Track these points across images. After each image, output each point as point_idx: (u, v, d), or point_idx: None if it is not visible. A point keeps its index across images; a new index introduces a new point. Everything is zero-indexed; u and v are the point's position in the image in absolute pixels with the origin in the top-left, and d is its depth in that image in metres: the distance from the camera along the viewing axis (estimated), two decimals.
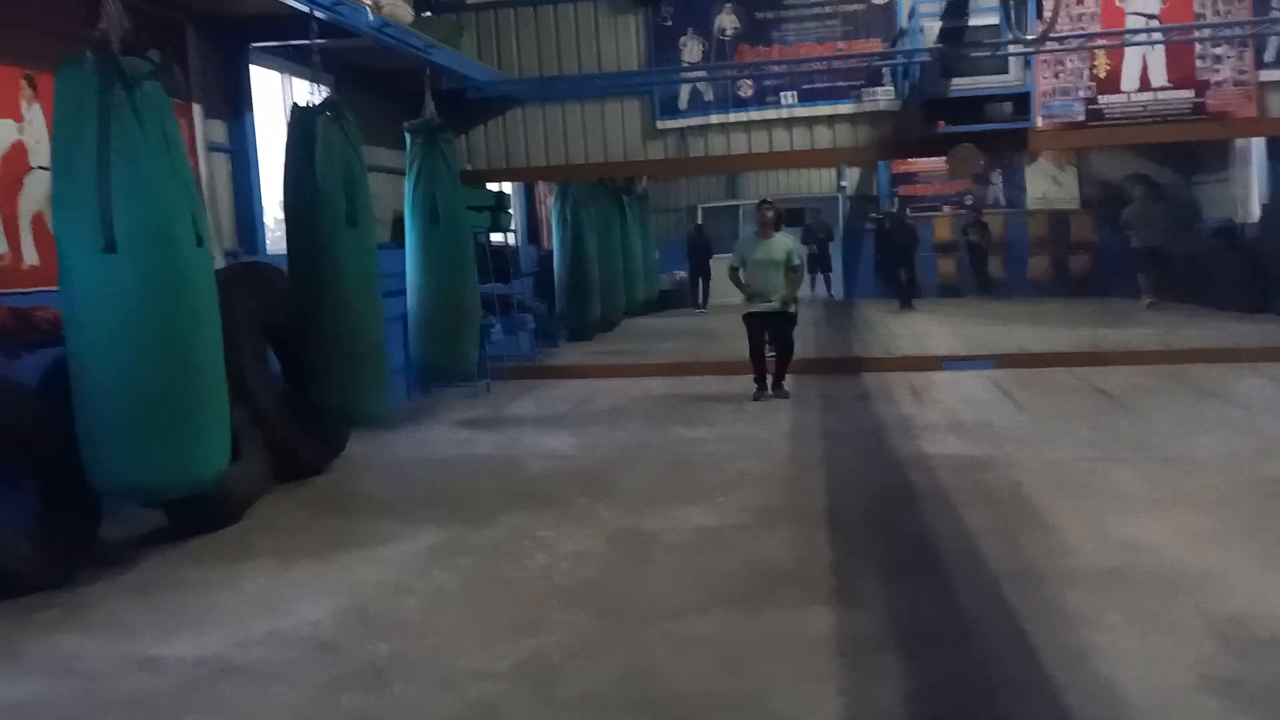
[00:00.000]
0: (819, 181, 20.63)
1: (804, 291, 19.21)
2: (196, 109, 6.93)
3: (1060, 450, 6.47)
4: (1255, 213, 15.49)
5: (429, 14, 10.16)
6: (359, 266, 6.21)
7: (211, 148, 7.15)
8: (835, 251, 19.98)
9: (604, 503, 5.73)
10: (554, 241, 13.45)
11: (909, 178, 19.39)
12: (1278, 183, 15.13)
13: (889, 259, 18.27)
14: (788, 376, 9.08)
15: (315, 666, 3.63)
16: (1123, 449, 6.39)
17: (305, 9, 6.15)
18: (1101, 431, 7.00)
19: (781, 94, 10.61)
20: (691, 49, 10.68)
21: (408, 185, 7.96)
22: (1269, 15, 9.64)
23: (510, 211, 11.52)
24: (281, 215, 7.01)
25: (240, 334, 5.82)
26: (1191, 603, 3.80)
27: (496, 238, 11.46)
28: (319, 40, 6.32)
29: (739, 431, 7.68)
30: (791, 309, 8.86)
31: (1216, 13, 9.78)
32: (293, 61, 8.20)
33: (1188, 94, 9.89)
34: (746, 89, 10.69)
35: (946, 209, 19.53)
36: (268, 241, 7.90)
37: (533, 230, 14.79)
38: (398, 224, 8.91)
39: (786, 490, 5.90)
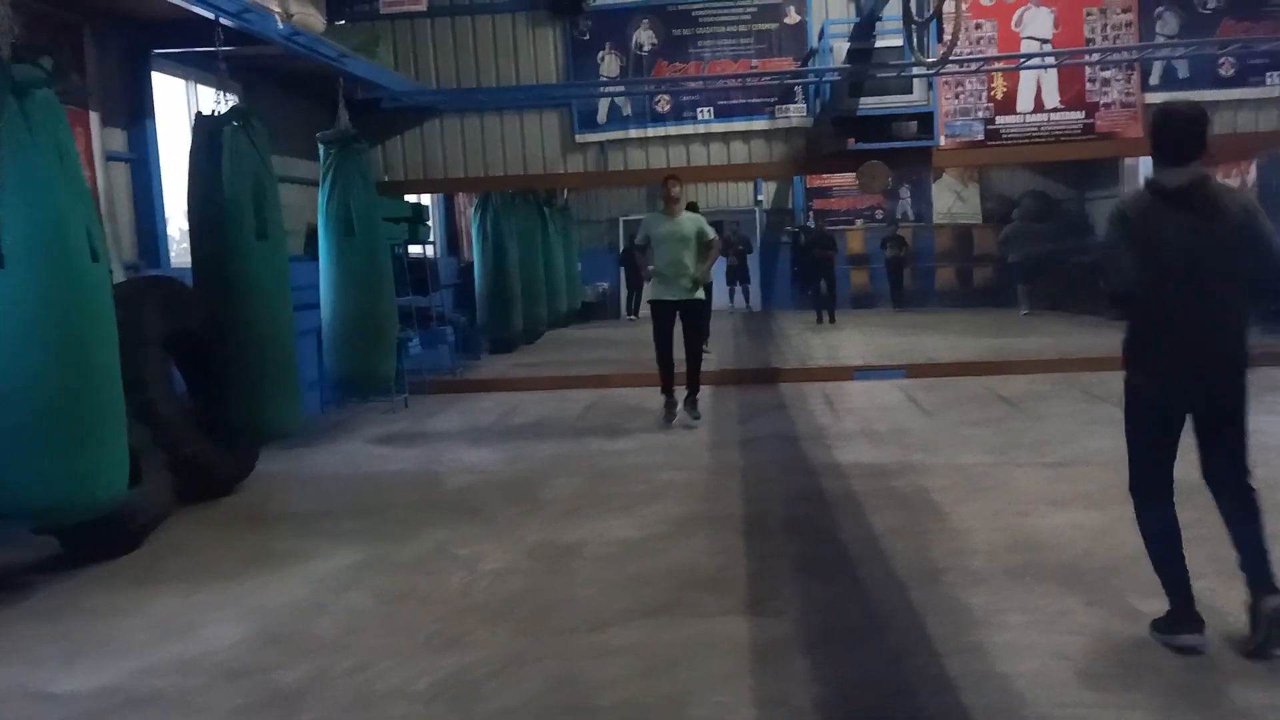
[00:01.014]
0: (737, 195, 20.98)
1: (723, 302, 19.65)
2: (94, 116, 6.74)
3: (966, 455, 6.72)
4: None
5: (344, 23, 10.08)
6: (269, 279, 6.11)
7: (110, 157, 6.95)
8: (753, 263, 20.32)
9: (526, 516, 5.75)
10: (474, 253, 13.40)
11: (823, 192, 19.88)
12: None
13: (808, 271, 18.59)
14: (701, 390, 8.39)
15: (224, 694, 3.56)
16: (1023, 453, 6.67)
17: (210, 15, 6.04)
18: (1004, 436, 7.29)
19: (699, 109, 10.81)
20: (610, 63, 10.80)
21: (321, 196, 7.87)
22: (1153, 41, 10.20)
23: (428, 223, 11.47)
24: (186, 226, 6.86)
25: (141, 349, 5.66)
26: (1085, 600, 4.01)
27: (415, 249, 11.38)
28: (225, 47, 6.22)
29: (661, 441, 7.78)
30: (700, 297, 8.17)
31: (1105, 38, 10.31)
32: (199, 68, 8.03)
33: (1078, 115, 10.39)
34: (664, 104, 10.86)
35: (859, 222, 20.08)
36: (172, 254, 7.72)
37: (453, 242, 14.72)
38: (311, 236, 8.78)
39: (707, 498, 6.00)
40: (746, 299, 20.12)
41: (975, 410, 8.46)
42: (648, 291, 8.32)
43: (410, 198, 11.53)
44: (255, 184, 6.14)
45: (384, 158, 11.07)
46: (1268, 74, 10.21)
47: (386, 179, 10.86)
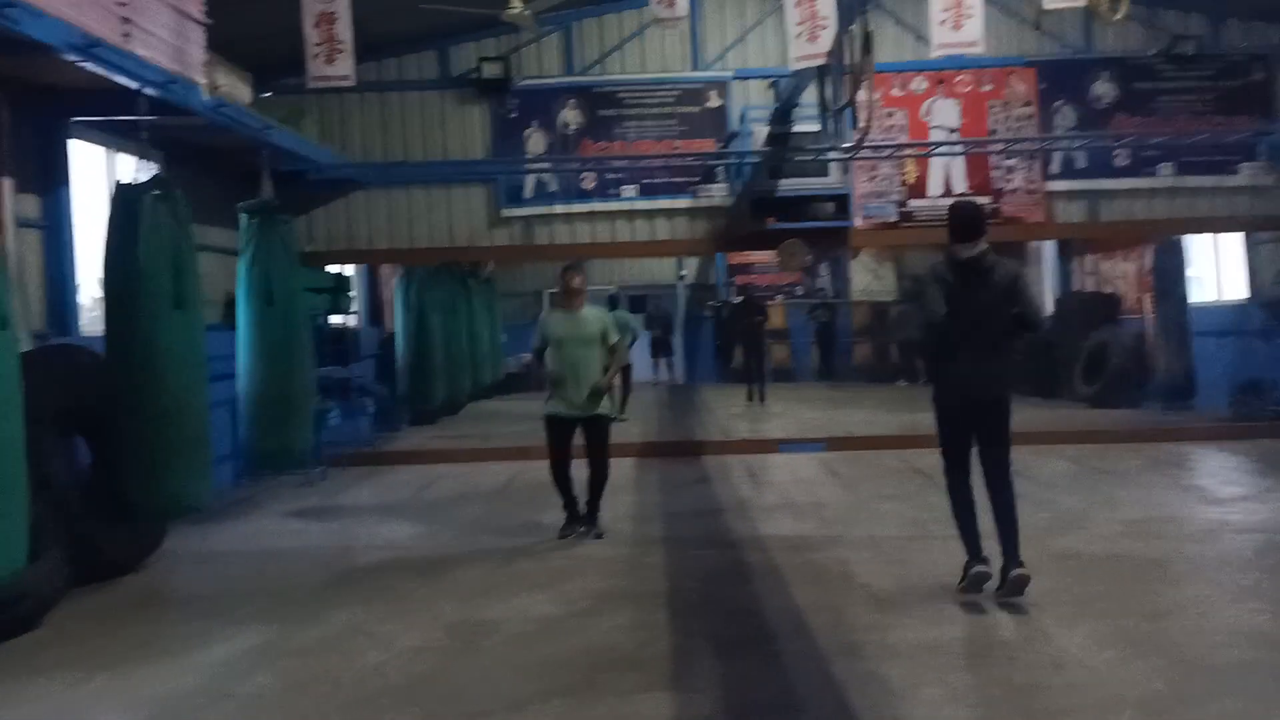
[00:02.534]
0: (660, 271, 21.30)
1: (647, 375, 19.71)
2: (6, 183, 6.58)
3: (883, 528, 6.84)
4: (1049, 307, 16.98)
5: (270, 95, 10.10)
6: (184, 349, 5.97)
7: (22, 223, 6.77)
8: (676, 338, 20.56)
9: (443, 593, 5.64)
10: (397, 324, 13.31)
11: (745, 268, 20.32)
12: (1067, 280, 16.70)
13: (737, 342, 17.86)
14: (603, 504, 6.99)
15: None
16: (939, 526, 6.77)
17: (134, 85, 6.00)
18: (920, 510, 7.43)
19: (623, 187, 11.06)
20: (536, 140, 11.00)
21: (241, 266, 7.78)
22: (1053, 133, 10.81)
23: (351, 293, 11.38)
24: (100, 294, 6.70)
25: (42, 420, 5.45)
26: (998, 672, 4.09)
27: (337, 319, 11.27)
28: (148, 117, 6.17)
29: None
30: (609, 411, 6.95)
31: (1008, 129, 10.89)
32: (120, 136, 7.93)
33: (985, 200, 10.89)
34: (589, 181, 11.08)
35: (780, 298, 20.52)
36: (84, 322, 7.51)
37: (375, 312, 14.61)
38: (230, 305, 8.65)
39: (627, 574, 5.97)
40: (670, 371, 20.30)
41: (892, 483, 8.62)
42: (549, 403, 6.83)
43: (334, 268, 11.46)
44: (174, 253, 6.03)
45: (308, 228, 11.01)
46: (1158, 165, 10.88)
47: (309, 249, 10.79)
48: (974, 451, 5.17)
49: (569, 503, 6.91)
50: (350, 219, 11.10)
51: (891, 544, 6.40)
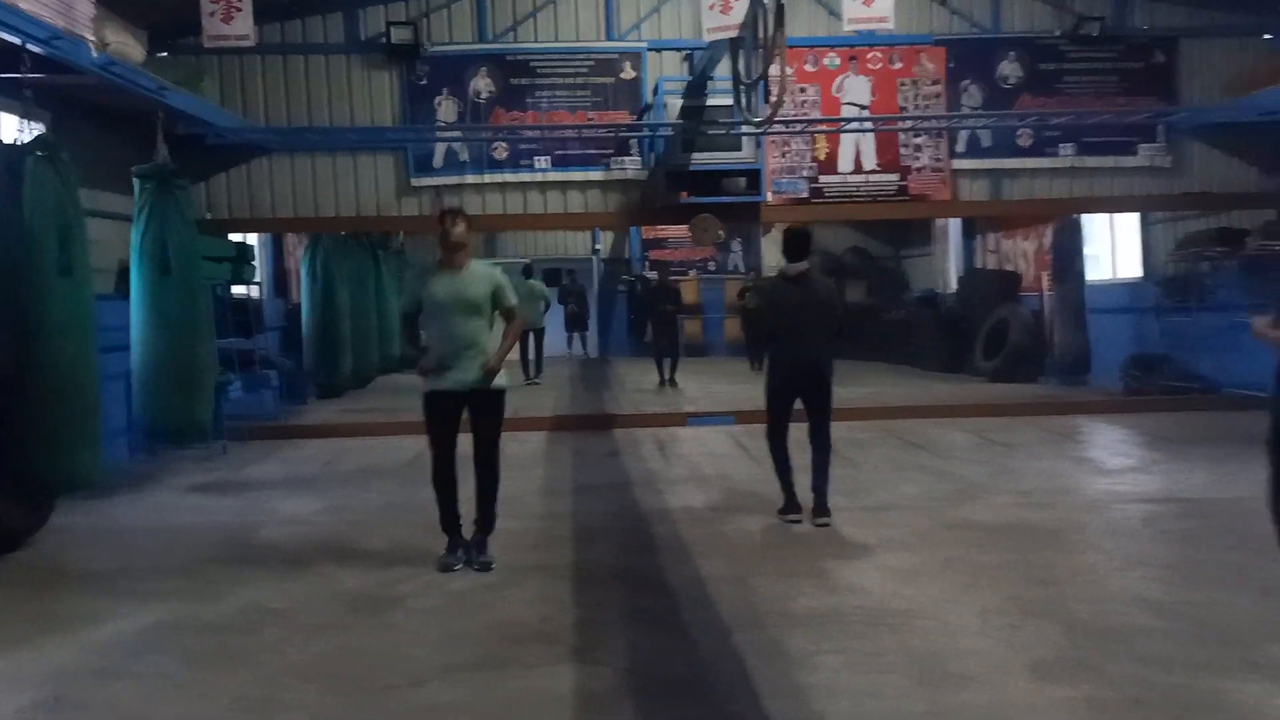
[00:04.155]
0: (575, 244, 21.19)
1: (561, 349, 19.65)
2: None
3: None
4: (953, 284, 17.45)
5: (166, 55, 9.67)
6: (71, 318, 5.71)
7: None
8: (590, 311, 20.53)
9: (348, 569, 5.53)
10: (303, 295, 12.96)
11: (659, 243, 20.35)
12: (971, 258, 17.16)
13: (651, 325, 17.63)
14: (496, 525, 5.62)
15: None
16: (841, 498, 6.93)
17: (16, 40, 5.67)
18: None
19: (536, 158, 10.91)
20: (447, 109, 10.77)
21: (135, 233, 7.47)
22: (960, 112, 11.02)
23: (253, 263, 11.01)
24: None
25: None
26: (895, 639, 4.19)
27: (238, 290, 10.91)
28: (32, 74, 5.84)
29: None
30: (505, 383, 5.56)
31: (917, 107, 11.07)
32: (3, 95, 7.51)
33: (893, 177, 11.09)
34: (502, 151, 10.90)
35: (693, 273, 20.63)
36: None
37: (280, 283, 14.19)
38: (124, 274, 8.29)
39: (536, 547, 5.95)
40: (584, 345, 20.27)
41: (797, 456, 8.73)
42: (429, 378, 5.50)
43: (236, 237, 11.07)
44: (60, 218, 5.75)
45: (208, 195, 10.60)
46: (1060, 145, 11.19)
47: (210, 217, 10.40)
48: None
49: (450, 521, 5.56)
50: (253, 186, 10.72)
51: (803, 525, 6.50)
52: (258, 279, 11.48)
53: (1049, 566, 5.20)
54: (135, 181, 7.45)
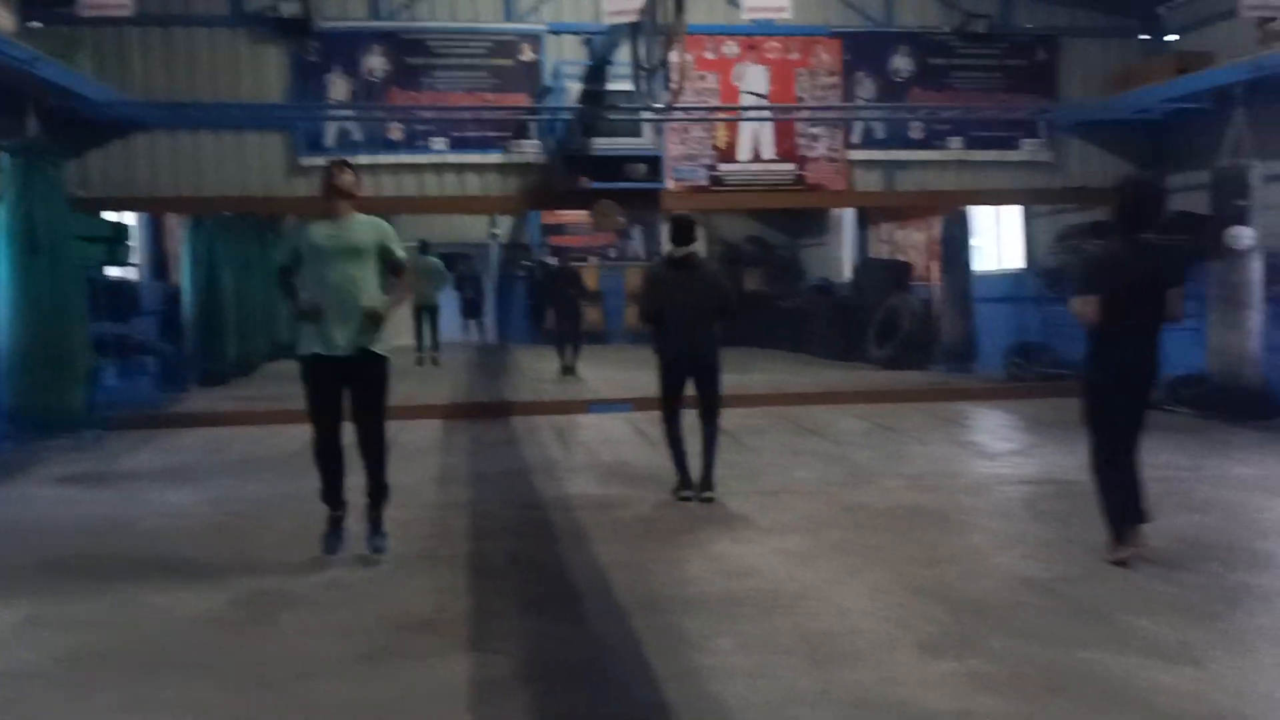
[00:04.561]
0: (472, 228, 20.88)
1: (455, 335, 19.31)
2: None
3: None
4: (848, 273, 17.85)
5: (38, 25, 9.11)
6: None
7: None
8: (487, 298, 20.27)
9: (231, 562, 5.31)
10: (184, 278, 12.43)
11: (559, 228, 20.20)
12: (865, 248, 17.56)
13: (547, 309, 17.19)
14: (387, 508, 5.34)
15: None
16: (738, 483, 7.02)
17: None
18: (722, 467, 7.58)
19: (431, 140, 10.69)
20: (339, 87, 10.47)
21: (2, 211, 7.02)
22: (854, 103, 11.24)
23: (131, 244, 10.48)
24: None
25: None
26: (788, 621, 4.24)
27: (115, 272, 10.39)
28: None
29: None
30: (387, 350, 5.17)
31: (814, 98, 11.24)
32: None
33: (790, 167, 11.25)
34: (397, 132, 10.65)
35: (593, 259, 20.55)
36: None
37: (160, 265, 13.56)
38: None
39: (430, 536, 5.82)
40: (481, 332, 20.03)
41: (695, 442, 8.79)
42: (303, 339, 5.12)
43: (112, 216, 10.52)
44: None
45: (83, 172, 10.05)
46: (949, 138, 11.53)
47: (85, 195, 9.86)
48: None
49: (333, 495, 5.22)
50: (131, 163, 10.21)
51: (692, 501, 6.55)
52: (135, 261, 10.96)
53: (935, 547, 5.35)
54: (2, 157, 7.00)
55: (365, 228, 5.11)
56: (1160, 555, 4.97)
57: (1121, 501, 4.90)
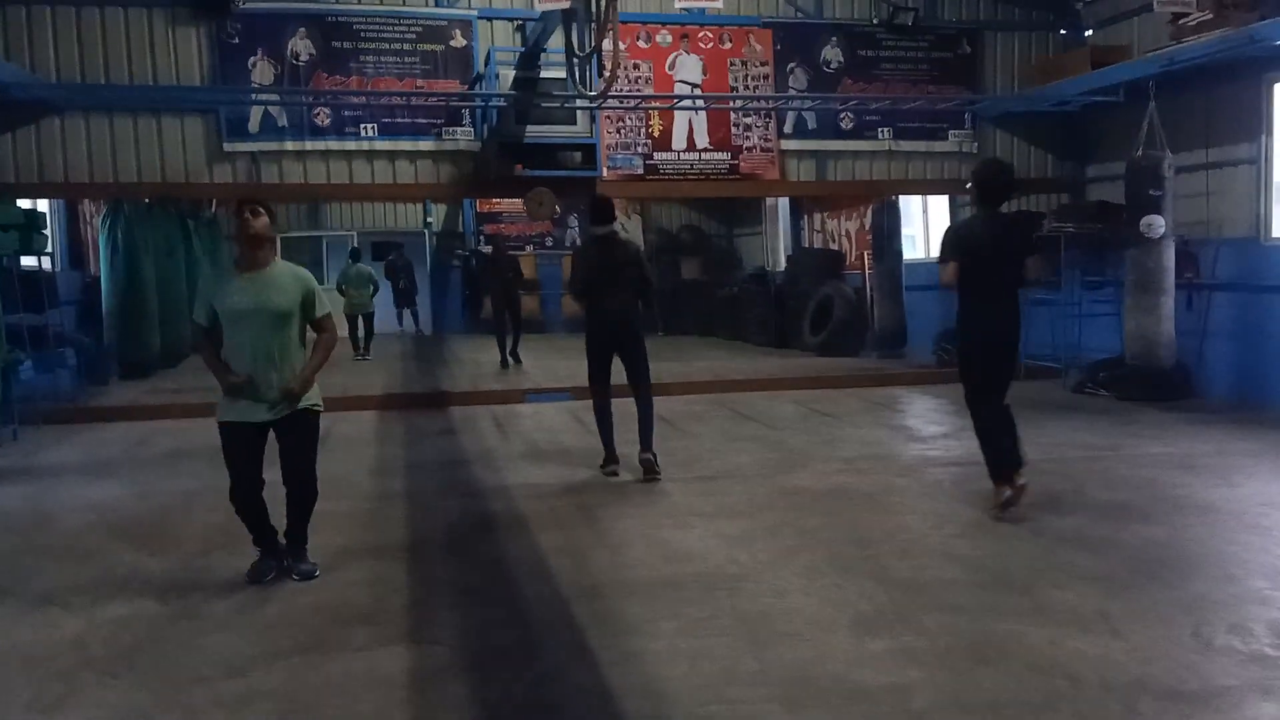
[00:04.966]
0: (405, 216, 20.56)
1: (391, 326, 19.03)
2: None
3: (625, 474, 6.98)
4: (782, 262, 18.02)
5: None
6: None
7: None
8: (423, 287, 19.96)
9: (155, 557, 5.18)
10: (102, 267, 12.02)
11: (494, 217, 20.00)
12: (799, 237, 17.74)
13: (485, 299, 16.25)
14: (309, 537, 4.91)
15: None
16: (677, 469, 7.05)
17: None
18: (662, 454, 7.60)
19: (361, 125, 10.49)
20: (262, 70, 10.20)
21: None
22: (786, 93, 11.33)
23: (45, 232, 10.11)
24: None
25: None
26: (728, 603, 4.28)
27: (28, 261, 9.99)
28: None
29: (321, 470, 7.26)
30: (314, 402, 4.77)
31: (747, 88, 11.30)
32: None
33: (725, 156, 11.30)
34: (324, 117, 10.43)
35: (529, 248, 20.39)
36: None
37: (76, 254, 13.08)
38: None
39: (367, 528, 5.74)
40: (415, 321, 19.76)
41: (635, 429, 8.82)
42: (222, 403, 4.73)
43: (24, 203, 10.12)
44: None
45: None
46: (879, 129, 11.69)
47: None
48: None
49: (261, 534, 4.80)
50: (43, 148, 9.82)
51: (632, 487, 6.57)
52: (49, 249, 10.56)
53: (869, 528, 5.44)
54: None
55: (286, 284, 4.64)
56: (1078, 529, 5.14)
57: (998, 449, 5.55)
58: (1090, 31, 11.69)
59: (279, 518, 4.86)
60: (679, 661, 3.66)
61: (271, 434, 4.73)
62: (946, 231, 6.05)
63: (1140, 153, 9.22)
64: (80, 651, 3.91)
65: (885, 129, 11.60)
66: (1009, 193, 5.78)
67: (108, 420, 9.79)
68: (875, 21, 11.56)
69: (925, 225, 14.94)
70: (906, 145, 11.71)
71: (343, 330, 14.90)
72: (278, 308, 4.60)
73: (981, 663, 3.58)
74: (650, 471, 6.69)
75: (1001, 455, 5.53)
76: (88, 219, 13.16)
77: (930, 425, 9.06)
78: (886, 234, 13.63)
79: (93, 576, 4.84)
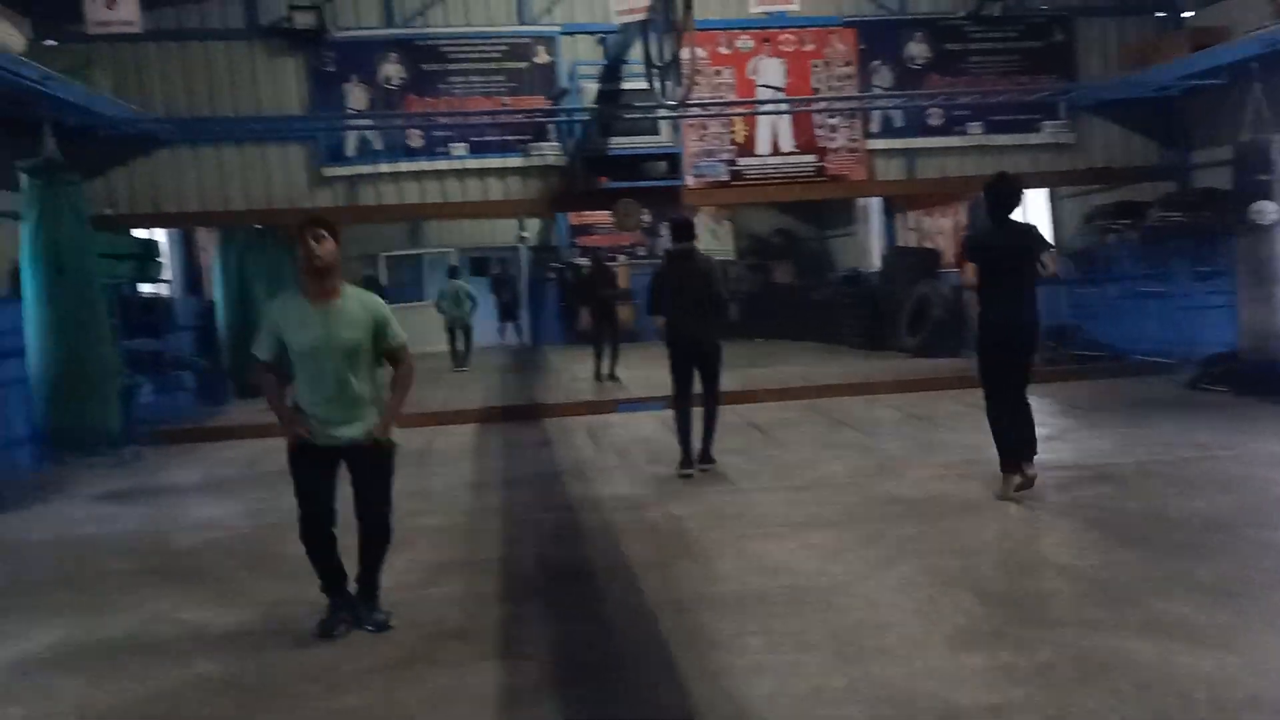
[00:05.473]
0: (500, 232, 20.92)
1: (490, 338, 19.37)
2: None
3: (717, 484, 6.95)
4: (876, 262, 17.69)
5: (54, 43, 9.24)
6: None
7: None
8: (524, 299, 20.31)
9: (266, 575, 5.37)
10: (216, 292, 12.56)
11: (587, 229, 20.18)
12: (893, 236, 17.40)
13: (581, 311, 16.37)
14: (380, 585, 4.54)
15: None
16: (769, 478, 6.99)
17: None
18: (753, 463, 7.61)
19: (451, 145, 10.73)
20: (356, 96, 10.53)
21: (25, 232, 7.13)
22: (871, 92, 11.14)
23: (160, 260, 10.63)
24: None
25: None
26: (818, 617, 4.21)
27: (146, 288, 10.53)
28: None
29: (418, 485, 7.50)
30: (388, 441, 4.42)
31: (830, 89, 11.15)
32: None
33: (811, 158, 11.16)
34: (416, 139, 10.70)
35: (622, 258, 20.49)
36: None
37: (193, 280, 13.73)
38: (17, 275, 7.93)
39: (462, 542, 5.86)
40: (518, 334, 20.12)
41: (729, 438, 8.75)
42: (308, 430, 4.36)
43: (141, 233, 10.68)
44: None
45: (107, 189, 10.20)
46: (969, 124, 11.39)
47: (110, 212, 10.01)
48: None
49: (331, 580, 4.44)
50: (156, 179, 10.35)
51: (723, 498, 6.52)
52: (167, 277, 11.10)
53: (967, 537, 5.28)
54: (22, 178, 7.11)
55: (356, 315, 4.28)
56: (1189, 535, 4.90)
57: (1011, 439, 6.04)
58: (1188, 14, 11.17)
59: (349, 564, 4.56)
60: (765, 678, 3.62)
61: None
62: (965, 238, 6.92)
63: (1247, 136, 8.76)
64: (189, 670, 4.07)
65: (976, 123, 11.29)
66: (1016, 202, 6.19)
67: (224, 440, 10.22)
68: (962, 14, 11.27)
69: (1024, 219, 14.45)
70: (999, 139, 11.38)
71: (441, 345, 15.31)
72: (348, 342, 4.24)
73: (1085, 681, 3.43)
74: (705, 464, 7.27)
75: (1012, 445, 6.01)
76: (203, 246, 13.80)
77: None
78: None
79: (205, 595, 5.05)
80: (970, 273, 6.06)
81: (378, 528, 4.44)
